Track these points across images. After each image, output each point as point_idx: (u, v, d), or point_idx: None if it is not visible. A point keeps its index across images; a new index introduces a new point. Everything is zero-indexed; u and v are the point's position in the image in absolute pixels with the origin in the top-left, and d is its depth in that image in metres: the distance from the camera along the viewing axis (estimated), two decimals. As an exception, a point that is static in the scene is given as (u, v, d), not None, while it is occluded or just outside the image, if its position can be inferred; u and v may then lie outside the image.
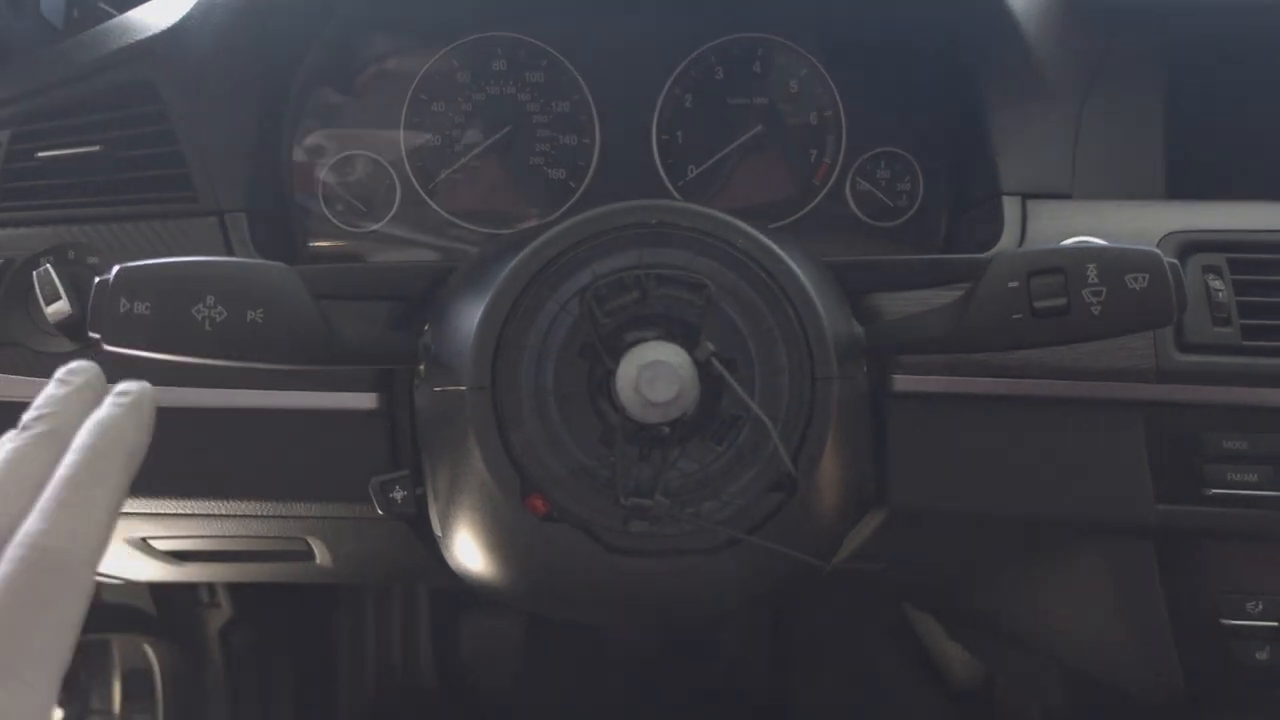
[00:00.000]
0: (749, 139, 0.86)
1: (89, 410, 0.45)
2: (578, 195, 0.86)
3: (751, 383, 0.56)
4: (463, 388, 0.56)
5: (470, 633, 1.44)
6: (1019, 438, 0.70)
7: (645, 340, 0.54)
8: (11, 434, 0.43)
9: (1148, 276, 0.54)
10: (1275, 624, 0.70)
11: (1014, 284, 0.56)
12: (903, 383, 0.71)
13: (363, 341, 0.60)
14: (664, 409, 0.53)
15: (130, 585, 0.98)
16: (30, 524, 0.39)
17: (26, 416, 0.44)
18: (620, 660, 1.36)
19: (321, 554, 0.81)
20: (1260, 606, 0.71)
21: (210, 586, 1.22)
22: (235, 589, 1.23)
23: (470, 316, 0.57)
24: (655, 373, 0.52)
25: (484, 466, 0.55)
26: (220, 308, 0.53)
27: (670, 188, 0.86)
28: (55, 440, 0.43)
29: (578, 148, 0.86)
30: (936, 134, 0.85)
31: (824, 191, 0.86)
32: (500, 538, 0.58)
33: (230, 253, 0.73)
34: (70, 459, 0.42)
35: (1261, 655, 0.71)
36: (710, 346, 0.55)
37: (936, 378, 0.70)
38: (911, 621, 1.28)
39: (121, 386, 0.46)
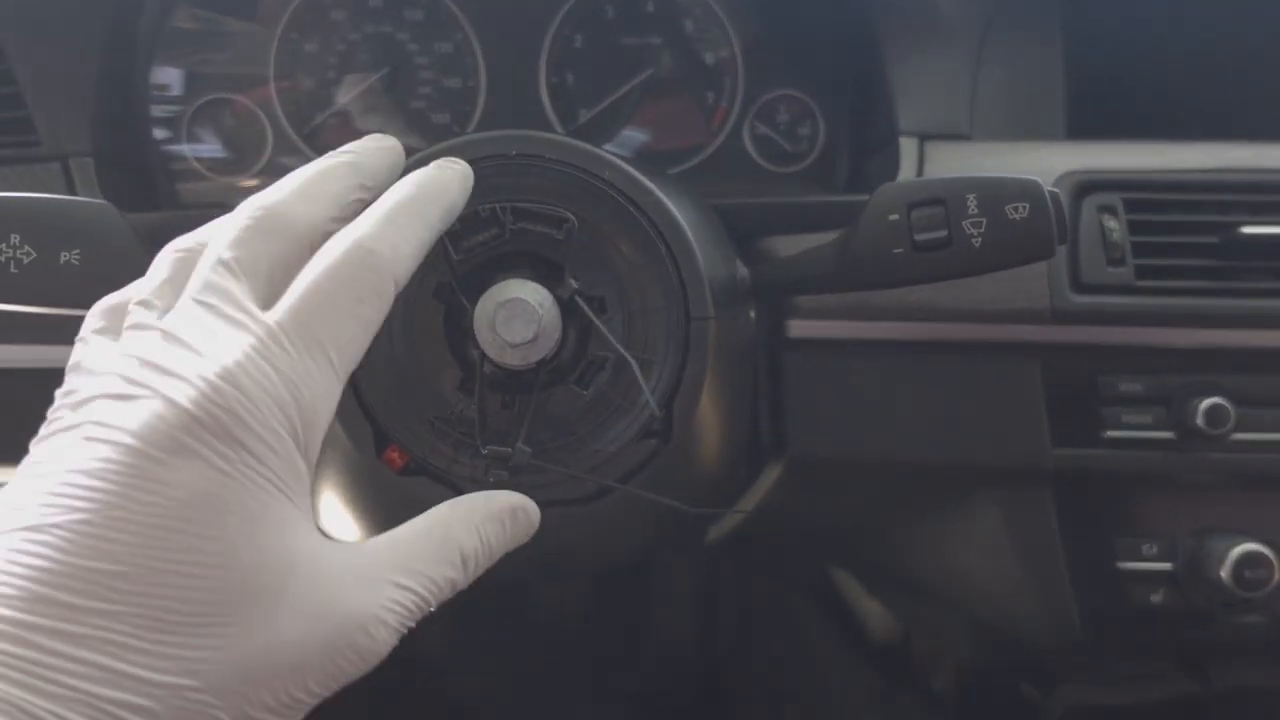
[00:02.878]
0: (642, 81, 0.82)
1: (390, 163, 0.46)
2: None
3: (623, 323, 0.53)
4: None
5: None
6: (916, 382, 0.69)
7: (506, 279, 0.51)
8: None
9: (1028, 206, 0.52)
10: (1169, 566, 0.70)
11: (894, 217, 0.54)
12: (798, 328, 0.69)
13: None
14: (523, 350, 0.49)
15: None
16: (358, 228, 0.40)
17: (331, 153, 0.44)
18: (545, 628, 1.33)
19: None
20: (1155, 549, 0.70)
21: None
22: None
23: None
24: (512, 311, 0.49)
25: (336, 419, 0.52)
26: (28, 248, 0.48)
27: (561, 132, 0.82)
28: (355, 170, 0.43)
29: (462, 91, 0.81)
30: (836, 76, 0.82)
31: (722, 136, 0.83)
32: (359, 494, 0.55)
33: None
34: (402, 188, 0.43)
35: (1156, 598, 0.70)
36: (574, 284, 0.51)
37: (832, 323, 0.68)
38: (834, 580, 1.27)
39: (445, 158, 0.48)
